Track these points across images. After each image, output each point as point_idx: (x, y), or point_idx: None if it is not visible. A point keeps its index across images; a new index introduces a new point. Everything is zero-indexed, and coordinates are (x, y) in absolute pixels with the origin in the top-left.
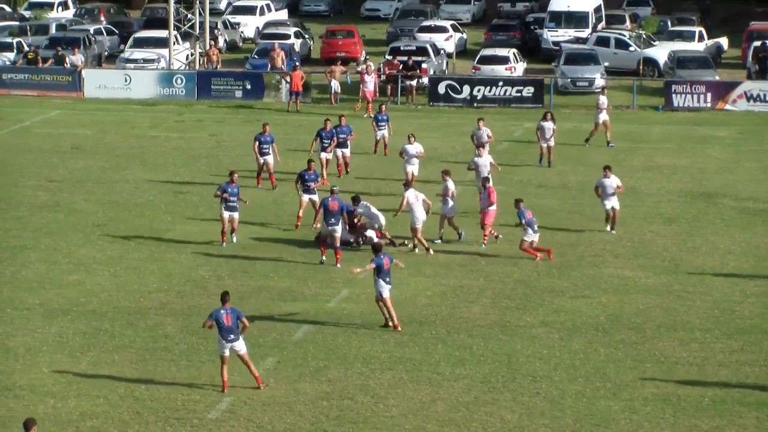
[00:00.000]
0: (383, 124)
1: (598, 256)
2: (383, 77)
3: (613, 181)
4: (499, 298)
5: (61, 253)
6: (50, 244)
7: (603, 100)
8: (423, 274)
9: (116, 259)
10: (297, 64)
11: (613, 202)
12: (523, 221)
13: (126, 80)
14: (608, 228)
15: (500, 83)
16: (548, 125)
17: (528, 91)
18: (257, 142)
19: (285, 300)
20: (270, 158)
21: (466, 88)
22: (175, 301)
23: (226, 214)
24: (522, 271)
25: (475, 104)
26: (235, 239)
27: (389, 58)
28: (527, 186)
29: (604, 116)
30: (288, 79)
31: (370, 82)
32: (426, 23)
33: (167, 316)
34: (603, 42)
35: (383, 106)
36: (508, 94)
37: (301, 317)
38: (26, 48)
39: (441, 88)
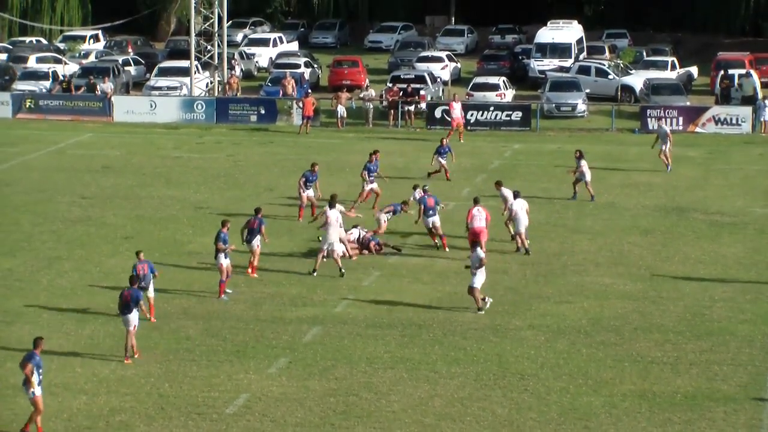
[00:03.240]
0: (445, 155)
1: (580, 265)
2: (385, 103)
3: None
4: (492, 301)
5: (92, 263)
6: (83, 254)
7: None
8: (421, 281)
9: None
10: (308, 90)
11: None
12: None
13: (151, 106)
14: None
15: (491, 108)
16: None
17: (517, 115)
18: (303, 179)
19: (296, 305)
20: (312, 192)
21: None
22: (196, 306)
23: (225, 262)
24: (511, 279)
25: (469, 127)
26: (225, 297)
27: (390, 85)
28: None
29: None
30: (301, 104)
31: (457, 109)
32: (424, 54)
33: (189, 320)
34: (585, 71)
35: (444, 140)
36: (498, 118)
37: (310, 321)
38: (61, 77)
39: (437, 113)
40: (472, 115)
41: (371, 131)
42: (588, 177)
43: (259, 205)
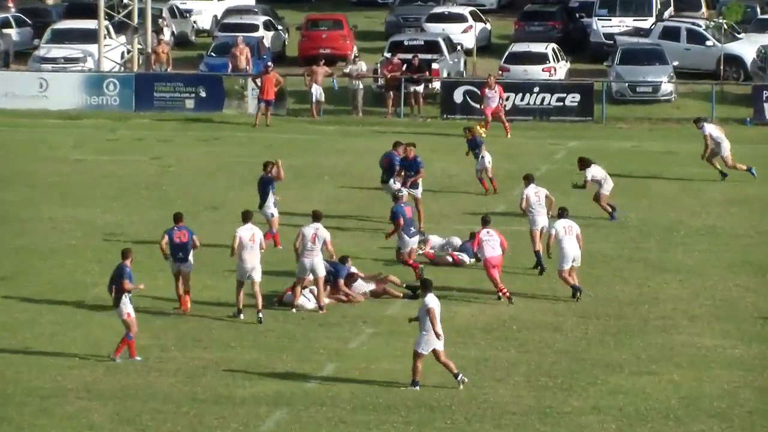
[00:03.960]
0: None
1: (667, 319)
2: (381, 81)
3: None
4: (536, 374)
5: None
6: None
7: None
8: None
9: (26, 324)
10: (269, 64)
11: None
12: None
13: (41, 86)
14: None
15: (536, 89)
16: None
17: (572, 99)
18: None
19: (251, 378)
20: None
21: None
22: (105, 380)
23: (131, 310)
24: (566, 338)
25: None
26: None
27: (388, 56)
28: None
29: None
30: (258, 83)
31: (494, 99)
32: (437, 10)
33: (93, 400)
34: (671, 34)
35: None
36: (546, 103)
37: (272, 401)
38: None
39: (457, 96)
40: (507, 98)
41: (361, 122)
42: (607, 188)
43: (195, 229)
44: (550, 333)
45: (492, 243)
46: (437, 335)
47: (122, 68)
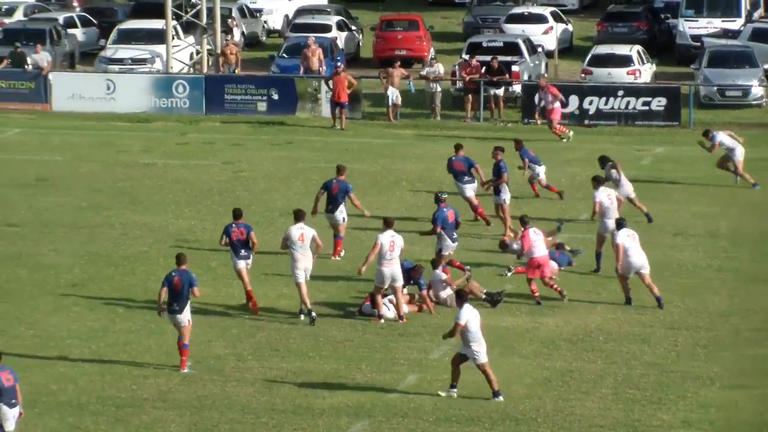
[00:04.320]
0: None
1: (760, 331)
2: (459, 84)
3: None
4: (623, 387)
5: (23, 323)
6: (8, 310)
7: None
8: (519, 353)
9: (99, 333)
10: (339, 64)
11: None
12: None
13: (108, 88)
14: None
15: (620, 93)
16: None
17: (659, 103)
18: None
19: (330, 389)
20: (340, 215)
21: (574, 100)
22: (180, 389)
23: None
24: (655, 350)
25: (586, 121)
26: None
27: (466, 58)
28: (660, 233)
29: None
30: (330, 85)
31: (551, 101)
32: (517, 10)
33: (170, 409)
34: (762, 36)
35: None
36: (630, 107)
37: (352, 412)
38: None
39: (538, 99)
40: (590, 102)
41: (439, 126)
42: (629, 191)
43: (270, 236)
44: (638, 344)
45: (539, 242)
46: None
47: (191, 70)
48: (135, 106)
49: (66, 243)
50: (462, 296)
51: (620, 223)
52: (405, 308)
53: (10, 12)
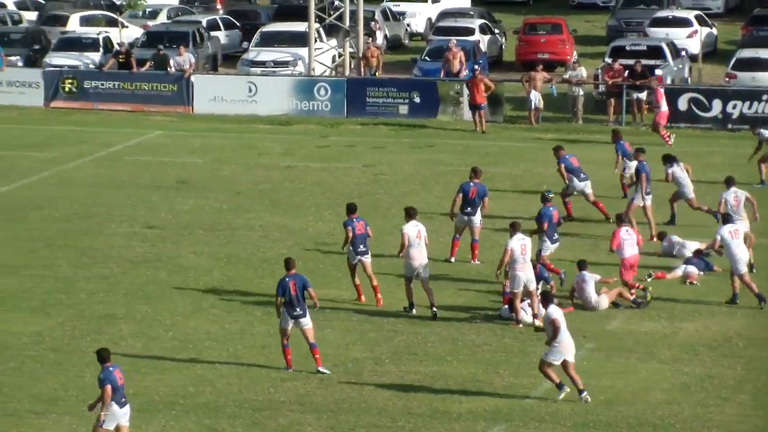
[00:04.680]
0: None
1: None
2: (602, 88)
3: None
4: (763, 394)
5: (162, 325)
6: (147, 312)
7: None
8: (657, 358)
9: (236, 335)
10: (476, 67)
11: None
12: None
13: (250, 90)
14: None
15: (764, 97)
16: None
17: None
18: (461, 195)
19: (467, 393)
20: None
21: (717, 104)
22: (318, 392)
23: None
24: None
25: (730, 126)
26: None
27: (609, 61)
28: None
29: None
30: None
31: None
32: (661, 14)
33: (307, 413)
34: None
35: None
36: None
37: (490, 416)
38: (116, 46)
39: (682, 104)
40: (734, 106)
41: (581, 130)
42: (688, 190)
43: None
44: None
45: (631, 241)
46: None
47: (333, 72)
48: (276, 108)
49: (205, 245)
50: (547, 297)
51: (726, 219)
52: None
53: (153, 15)
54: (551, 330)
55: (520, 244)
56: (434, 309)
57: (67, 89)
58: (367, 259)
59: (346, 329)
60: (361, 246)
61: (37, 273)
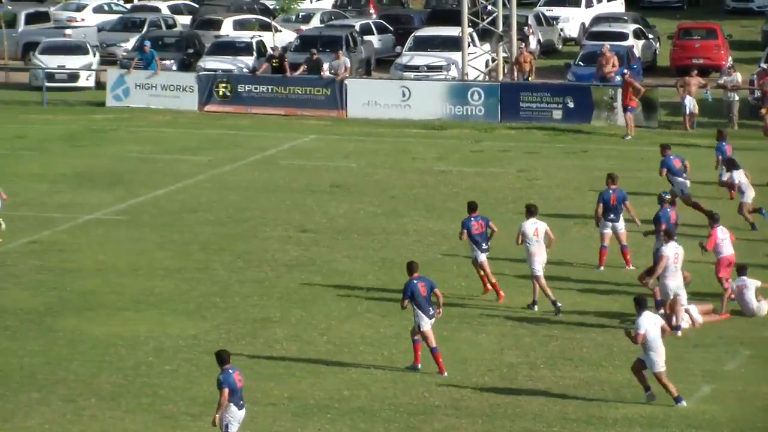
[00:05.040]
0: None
1: None
2: (757, 94)
3: None
4: None
5: (316, 329)
6: (302, 316)
7: None
8: None
9: (392, 339)
10: (625, 71)
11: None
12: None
13: (404, 94)
14: None
15: None
16: None
17: None
18: (602, 205)
19: (623, 399)
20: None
21: None
22: (473, 397)
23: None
24: None
25: None
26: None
27: (765, 66)
28: None
29: None
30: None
31: None
32: None
33: (462, 417)
34: None
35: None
36: None
37: (646, 423)
38: (270, 50)
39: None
40: None
41: (736, 135)
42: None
43: (564, 245)
44: None
45: (727, 242)
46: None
47: (487, 77)
48: (430, 113)
49: (360, 249)
50: (641, 303)
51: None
52: (700, 319)
53: (306, 19)
54: (635, 337)
55: (674, 253)
56: (557, 304)
57: (221, 93)
58: (484, 258)
59: (501, 334)
60: (484, 244)
61: (192, 276)
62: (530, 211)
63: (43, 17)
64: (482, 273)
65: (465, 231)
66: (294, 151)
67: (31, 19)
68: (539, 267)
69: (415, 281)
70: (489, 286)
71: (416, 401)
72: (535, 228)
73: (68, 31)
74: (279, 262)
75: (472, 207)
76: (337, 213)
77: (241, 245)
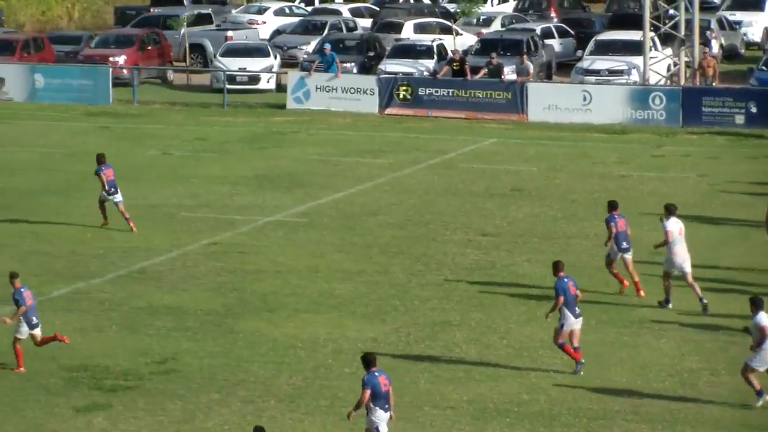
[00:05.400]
0: None
1: None
2: None
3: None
4: None
5: (496, 332)
6: (481, 320)
7: None
8: None
9: None
10: None
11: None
12: None
13: (585, 98)
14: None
15: None
16: None
17: None
18: None
19: None
20: None
21: None
22: (653, 402)
23: None
24: None
25: None
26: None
27: None
28: None
29: None
30: None
31: None
32: None
33: (641, 422)
34: None
35: None
36: None
37: None
38: (450, 54)
39: None
40: None
41: None
42: None
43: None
44: None
45: None
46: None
47: (668, 82)
48: (611, 117)
49: (539, 253)
50: (757, 303)
51: None
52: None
53: (487, 22)
54: (758, 336)
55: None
56: (703, 301)
57: (401, 96)
58: (629, 256)
59: (681, 339)
60: (624, 243)
61: (372, 279)
62: (670, 211)
63: (206, 19)
64: (615, 271)
65: (612, 225)
66: (474, 155)
67: (194, 21)
68: (687, 265)
69: (565, 280)
70: (627, 283)
71: (596, 406)
72: (679, 227)
73: (230, 33)
74: (459, 265)
75: (613, 205)
76: (517, 217)
77: (420, 248)
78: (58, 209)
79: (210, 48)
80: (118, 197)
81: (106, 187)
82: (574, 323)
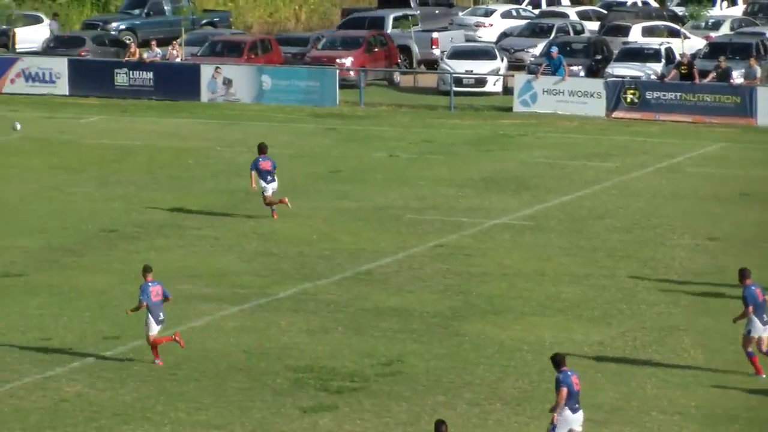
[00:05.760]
0: None
1: None
2: None
3: None
4: None
5: (725, 338)
6: (710, 325)
7: None
8: None
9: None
10: None
11: None
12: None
13: None
14: None
15: None
16: None
17: None
18: None
19: None
20: None
21: None
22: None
23: None
24: None
25: None
26: None
27: None
28: None
29: None
30: None
31: None
32: None
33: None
34: None
35: None
36: None
37: None
38: (678, 57)
39: None
40: None
41: None
42: None
43: None
44: None
45: None
46: None
47: None
48: None
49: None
50: None
51: None
52: None
53: (716, 26)
54: None
55: None
56: None
57: (628, 100)
58: None
59: None
60: None
61: (598, 283)
62: None
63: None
64: None
65: None
66: (702, 159)
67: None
68: None
69: (752, 287)
70: None
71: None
72: None
73: (435, 35)
74: (686, 270)
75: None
76: (747, 222)
77: (647, 252)
78: (284, 211)
79: (416, 49)
80: (275, 185)
81: (253, 185)
82: (762, 330)
